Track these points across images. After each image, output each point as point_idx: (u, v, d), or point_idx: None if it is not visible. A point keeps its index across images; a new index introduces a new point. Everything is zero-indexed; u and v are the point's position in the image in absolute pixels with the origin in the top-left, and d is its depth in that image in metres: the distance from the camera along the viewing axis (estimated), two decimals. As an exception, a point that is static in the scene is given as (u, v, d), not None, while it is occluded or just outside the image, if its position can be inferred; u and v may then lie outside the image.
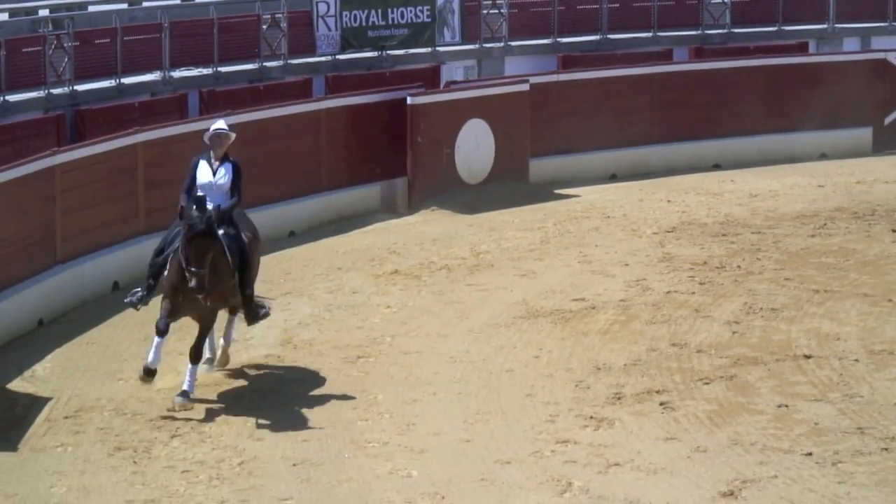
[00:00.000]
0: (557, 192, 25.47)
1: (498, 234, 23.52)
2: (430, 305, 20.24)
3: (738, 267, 21.49)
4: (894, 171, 26.94)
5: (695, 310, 19.51)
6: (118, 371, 17.99)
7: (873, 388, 16.74)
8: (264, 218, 20.38)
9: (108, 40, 24.11)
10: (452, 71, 26.77)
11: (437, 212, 24.53)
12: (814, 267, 21.53)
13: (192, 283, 16.12)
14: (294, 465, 15.50)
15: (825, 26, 29.87)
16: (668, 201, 24.77)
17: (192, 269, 16.11)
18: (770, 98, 27.92)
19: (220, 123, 16.61)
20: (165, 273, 16.56)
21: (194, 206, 16.06)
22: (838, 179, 26.40)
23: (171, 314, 16.70)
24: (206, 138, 16.53)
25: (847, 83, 28.14)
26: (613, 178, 26.29)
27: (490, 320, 19.59)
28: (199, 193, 16.29)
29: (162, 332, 16.54)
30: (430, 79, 26.15)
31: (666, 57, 28.44)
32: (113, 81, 23.96)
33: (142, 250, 19.60)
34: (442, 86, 26.09)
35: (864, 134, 28.26)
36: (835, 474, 14.88)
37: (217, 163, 16.44)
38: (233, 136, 16.70)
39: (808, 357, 17.50)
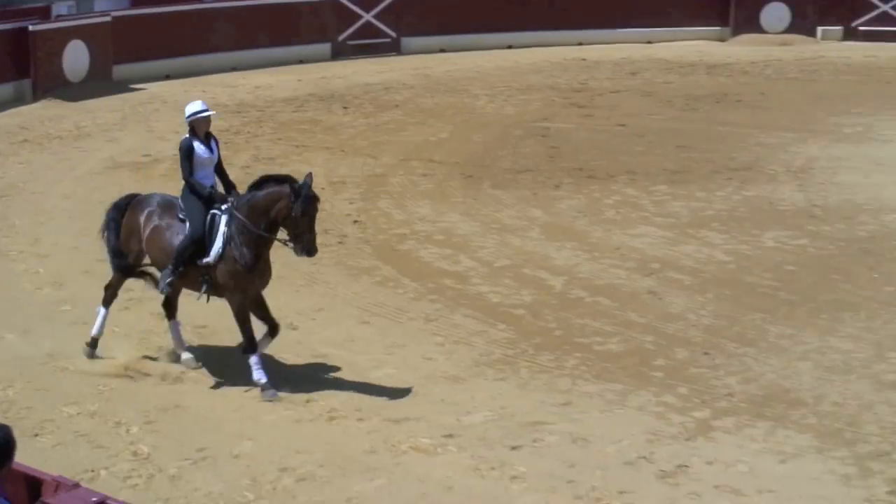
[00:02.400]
0: (132, 87, 25.49)
1: (93, 114, 23.45)
2: (51, 162, 20.24)
3: (249, 132, 22.07)
4: (344, 70, 27.47)
5: (221, 160, 20.47)
6: None
7: (332, 204, 17.55)
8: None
9: None
10: (59, 7, 26.30)
11: (52, 101, 24.21)
12: (295, 131, 22.19)
13: (314, 246, 11.66)
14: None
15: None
16: (203, 91, 24.72)
17: (311, 234, 11.58)
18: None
19: (198, 105, 12.25)
20: (234, 256, 11.66)
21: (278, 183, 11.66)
22: (311, 76, 26.89)
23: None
24: (190, 120, 12.11)
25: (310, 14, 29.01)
26: (168, 77, 26.41)
27: (89, 170, 19.78)
28: (202, 171, 12.06)
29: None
30: (44, 13, 25.76)
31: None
32: None
33: None
34: (53, 18, 25.84)
35: (327, 47, 29.04)
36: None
37: (203, 141, 12.12)
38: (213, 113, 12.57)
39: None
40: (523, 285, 14.82)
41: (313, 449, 10.80)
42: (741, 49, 30.74)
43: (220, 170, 12.29)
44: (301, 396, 11.77)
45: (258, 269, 11.81)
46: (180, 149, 12.19)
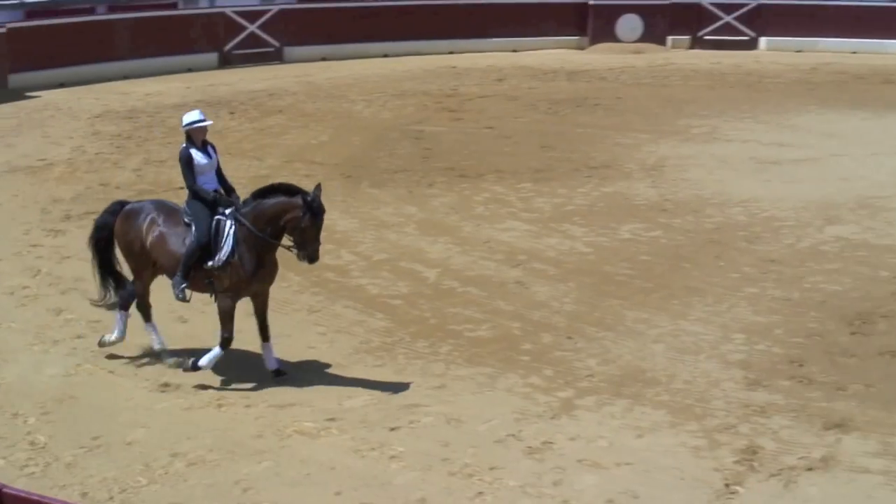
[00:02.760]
0: (27, 94, 24.78)
1: (-10, 121, 22.81)
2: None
3: (140, 136, 21.51)
4: (231, 78, 26.96)
5: (113, 163, 19.72)
6: None
7: None
8: None
9: None
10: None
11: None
12: (183, 135, 22.03)
13: (318, 254, 11.40)
14: None
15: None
16: (97, 98, 24.32)
17: (316, 243, 11.33)
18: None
19: (195, 114, 11.84)
20: (236, 261, 11.39)
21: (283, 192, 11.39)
22: (199, 84, 26.47)
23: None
24: (188, 129, 11.72)
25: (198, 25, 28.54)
26: (62, 85, 25.59)
27: (-13, 174, 19.16)
28: (203, 177, 11.72)
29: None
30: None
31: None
32: None
33: None
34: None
35: (214, 56, 28.60)
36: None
37: (201, 148, 11.74)
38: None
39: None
40: (399, 277, 14.78)
41: (203, 435, 10.66)
42: (598, 57, 31.03)
43: (219, 175, 11.92)
44: (191, 385, 11.61)
45: (260, 274, 11.54)
46: (180, 158, 11.79)
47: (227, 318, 11.60)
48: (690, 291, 14.34)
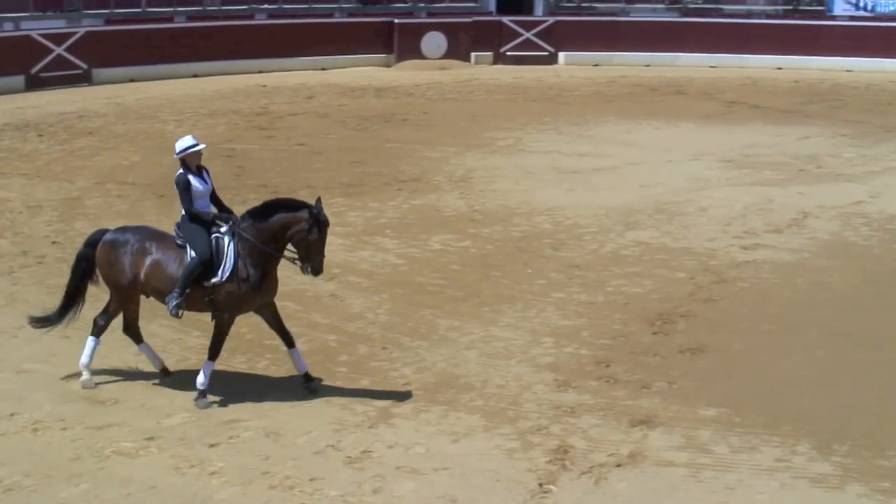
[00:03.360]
0: None
1: None
2: None
3: None
4: (38, 101, 26.46)
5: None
6: None
7: (31, 227, 16.91)
8: None
9: None
10: None
11: None
12: None
13: (322, 266, 11.35)
14: None
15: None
16: None
17: (321, 255, 11.26)
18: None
19: (189, 140, 11.64)
20: (239, 276, 11.24)
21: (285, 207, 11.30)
22: (5, 107, 25.60)
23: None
24: (182, 155, 11.56)
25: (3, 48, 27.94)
26: None
27: None
28: (200, 202, 11.59)
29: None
30: None
31: None
32: None
33: None
34: None
35: (20, 79, 27.98)
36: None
37: (196, 173, 11.60)
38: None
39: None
40: (216, 295, 14.53)
41: (19, 460, 10.28)
42: (405, 73, 31.22)
43: (214, 197, 11.72)
44: (5, 411, 11.18)
45: (264, 287, 11.41)
46: (177, 184, 11.59)
47: (224, 334, 11.49)
48: (500, 298, 14.49)
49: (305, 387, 11.74)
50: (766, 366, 12.49)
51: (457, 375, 12.21)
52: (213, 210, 11.65)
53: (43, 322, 12.01)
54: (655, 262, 15.93)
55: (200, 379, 11.47)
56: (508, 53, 33.38)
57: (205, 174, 11.72)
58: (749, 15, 35.00)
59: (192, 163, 11.65)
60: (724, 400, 11.61)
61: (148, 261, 11.51)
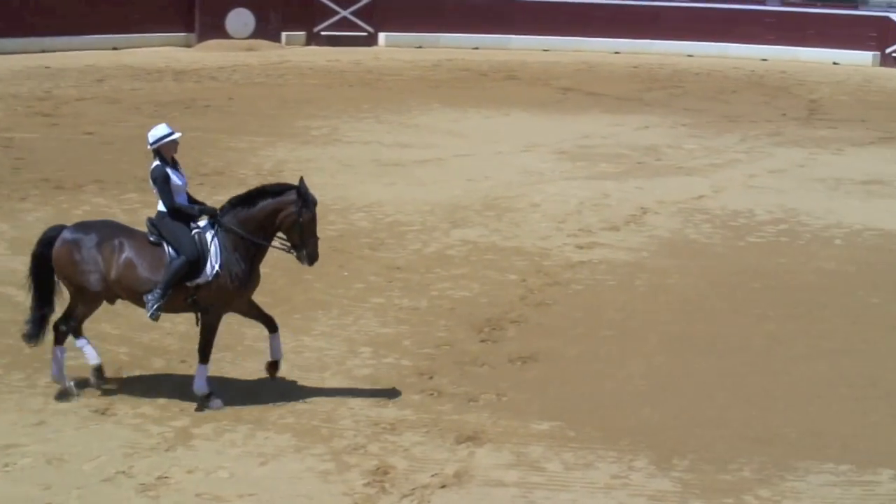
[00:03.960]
0: None
1: None
2: None
3: None
4: None
5: None
6: None
7: None
8: None
9: None
10: None
11: None
12: None
13: (317, 251, 11.64)
14: None
15: None
16: None
17: (315, 239, 11.55)
18: None
19: (163, 128, 11.58)
20: (225, 272, 11.40)
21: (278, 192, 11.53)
22: None
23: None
24: (158, 146, 11.48)
25: None
26: None
27: None
28: (178, 198, 11.55)
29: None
30: None
31: None
32: None
33: None
34: None
35: None
36: None
37: (173, 166, 11.59)
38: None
39: None
40: (-11, 303, 14.12)
41: None
42: (208, 55, 30.87)
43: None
44: None
45: (251, 282, 11.68)
46: (156, 178, 11.49)
47: (214, 334, 11.68)
48: (313, 305, 14.42)
49: (268, 372, 12.05)
50: (603, 375, 12.72)
51: (263, 390, 12.09)
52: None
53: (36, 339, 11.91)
54: (484, 262, 16.07)
55: (197, 384, 11.64)
56: (323, 33, 33.29)
57: (180, 168, 11.72)
58: (584, -6, 35.63)
59: (167, 154, 11.60)
60: (557, 413, 11.77)
61: (121, 259, 11.48)
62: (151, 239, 11.53)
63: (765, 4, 35.42)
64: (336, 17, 33.32)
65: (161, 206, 11.58)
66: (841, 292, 15.50)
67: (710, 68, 32.81)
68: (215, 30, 32.20)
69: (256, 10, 32.50)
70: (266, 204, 11.48)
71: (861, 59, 34.55)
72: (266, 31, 32.73)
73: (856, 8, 35.24)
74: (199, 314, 11.70)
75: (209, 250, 11.44)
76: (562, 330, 13.91)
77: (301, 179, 11.62)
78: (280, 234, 11.68)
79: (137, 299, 11.63)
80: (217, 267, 11.43)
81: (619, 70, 31.88)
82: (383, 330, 13.76)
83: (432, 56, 32.41)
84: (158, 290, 11.39)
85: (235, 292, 11.60)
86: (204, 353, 11.70)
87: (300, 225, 11.47)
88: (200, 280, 11.45)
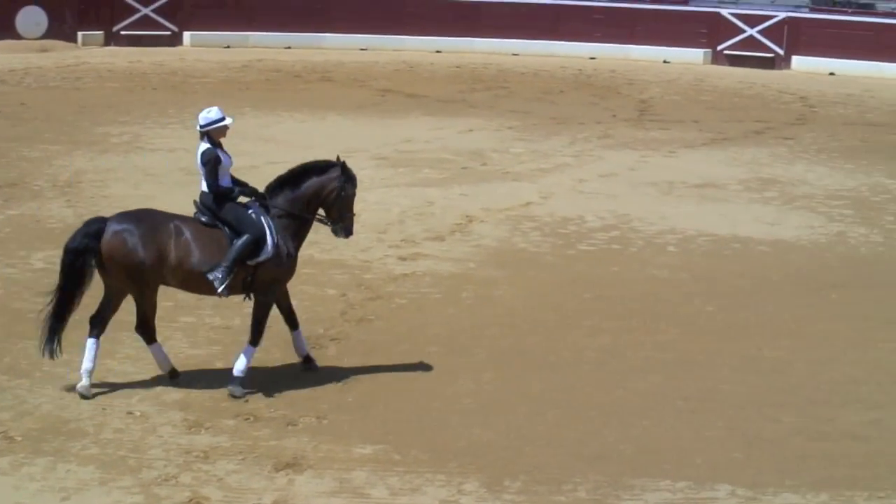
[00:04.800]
0: None
1: None
2: None
3: None
4: None
5: None
6: None
7: None
8: None
9: None
10: None
11: None
12: None
13: (352, 226, 12.96)
14: None
15: None
16: None
17: (352, 214, 12.88)
18: None
19: (216, 112, 12.56)
20: (283, 251, 12.50)
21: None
22: None
23: None
24: (208, 129, 12.49)
25: None
26: None
27: None
28: (224, 180, 12.59)
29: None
30: None
31: None
32: None
33: None
34: None
35: None
36: None
37: (222, 149, 12.60)
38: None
39: None
40: None
41: None
42: (-3, 56, 30.27)
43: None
44: None
45: (296, 261, 12.75)
46: (207, 160, 12.41)
47: (267, 315, 12.65)
48: (118, 326, 14.07)
49: (306, 368, 13.14)
50: (429, 394, 12.84)
51: (66, 419, 11.93)
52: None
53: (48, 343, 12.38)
54: (301, 277, 15.99)
55: (240, 365, 12.48)
56: (123, 33, 32.89)
57: (228, 151, 12.65)
58: (404, -10, 35.87)
59: (217, 137, 12.56)
60: (381, 435, 11.85)
61: (180, 242, 12.29)
62: (203, 220, 12.44)
63: (592, 0, 36.10)
64: (137, 16, 32.96)
65: (204, 187, 12.49)
66: (675, 301, 15.90)
67: (537, 68, 33.33)
68: (4, 30, 31.55)
69: (49, 8, 31.97)
70: (311, 182, 12.62)
71: (692, 56, 35.50)
72: (60, 30, 32.22)
73: (686, 4, 36.17)
74: (253, 295, 12.58)
75: (266, 230, 12.39)
76: (385, 347, 14.00)
77: (337, 157, 12.81)
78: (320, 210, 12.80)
79: (194, 283, 12.40)
80: (273, 246, 12.37)
81: (440, 70, 32.19)
82: (194, 351, 13.68)
83: (242, 56, 32.28)
84: (224, 267, 12.23)
85: (289, 271, 12.69)
86: (256, 335, 12.60)
87: (342, 199, 12.66)
88: (261, 258, 12.35)
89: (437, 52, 34.73)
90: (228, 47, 33.36)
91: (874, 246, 18.73)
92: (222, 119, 12.57)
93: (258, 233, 12.34)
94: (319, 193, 12.65)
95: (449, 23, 35.08)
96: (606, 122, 27.10)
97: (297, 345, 13.18)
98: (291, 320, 13.09)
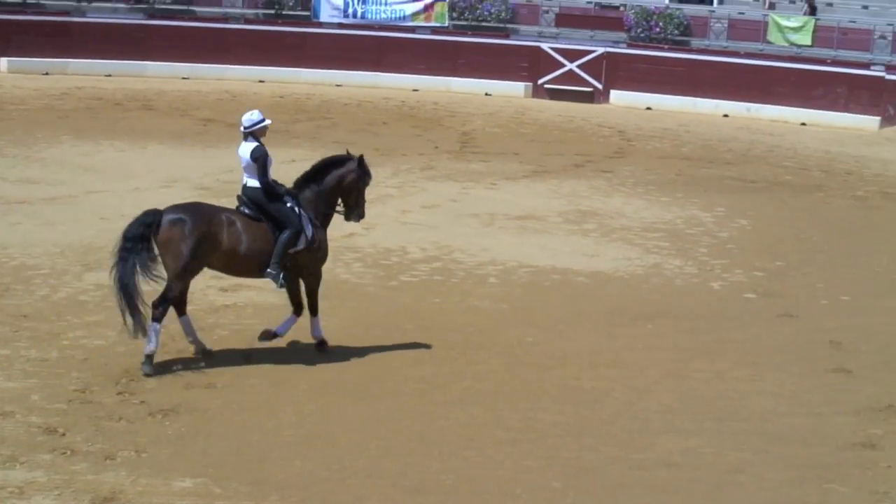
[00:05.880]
0: None
1: None
2: None
3: None
4: None
5: None
6: None
7: None
8: None
9: None
10: None
11: None
12: None
13: (364, 212, 14.98)
14: None
15: None
16: None
17: (364, 201, 14.90)
18: None
19: (257, 114, 14.38)
20: (317, 239, 14.42)
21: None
22: None
23: None
24: (253, 129, 14.20)
25: None
26: None
27: None
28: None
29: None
30: None
31: None
32: None
33: None
34: None
35: None
36: None
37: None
38: None
39: None
40: None
41: None
42: None
43: None
44: None
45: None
46: (260, 155, 14.03)
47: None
48: (-71, 359, 13.89)
49: (321, 351, 14.79)
50: (250, 426, 12.76)
51: None
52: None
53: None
54: (117, 309, 15.80)
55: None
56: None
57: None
58: (226, 19, 35.73)
59: (261, 136, 14.17)
60: (201, 468, 11.74)
61: (233, 232, 13.82)
62: (247, 212, 14.01)
63: (415, 33, 36.39)
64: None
65: (253, 183, 14.01)
66: (496, 332, 16.07)
67: (361, 98, 33.45)
68: None
69: None
70: (332, 176, 14.38)
71: (513, 89, 36.02)
72: None
73: (507, 38, 36.67)
74: (301, 278, 14.45)
75: (305, 222, 14.08)
76: (205, 379, 13.88)
77: (347, 151, 14.66)
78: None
79: (243, 268, 14.08)
80: (312, 235, 14.13)
81: (264, 100, 32.07)
82: (8, 384, 13.39)
83: (61, 84, 31.76)
84: (276, 263, 13.97)
85: (324, 256, 14.52)
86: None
87: (359, 188, 14.49)
88: (300, 247, 14.06)
89: (261, 81, 34.63)
90: (47, 74, 32.82)
91: (689, 277, 19.19)
92: (263, 120, 14.28)
93: (300, 227, 14.06)
94: (339, 185, 14.39)
95: (272, 52, 35.02)
96: (429, 153, 27.30)
97: (315, 327, 14.72)
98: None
